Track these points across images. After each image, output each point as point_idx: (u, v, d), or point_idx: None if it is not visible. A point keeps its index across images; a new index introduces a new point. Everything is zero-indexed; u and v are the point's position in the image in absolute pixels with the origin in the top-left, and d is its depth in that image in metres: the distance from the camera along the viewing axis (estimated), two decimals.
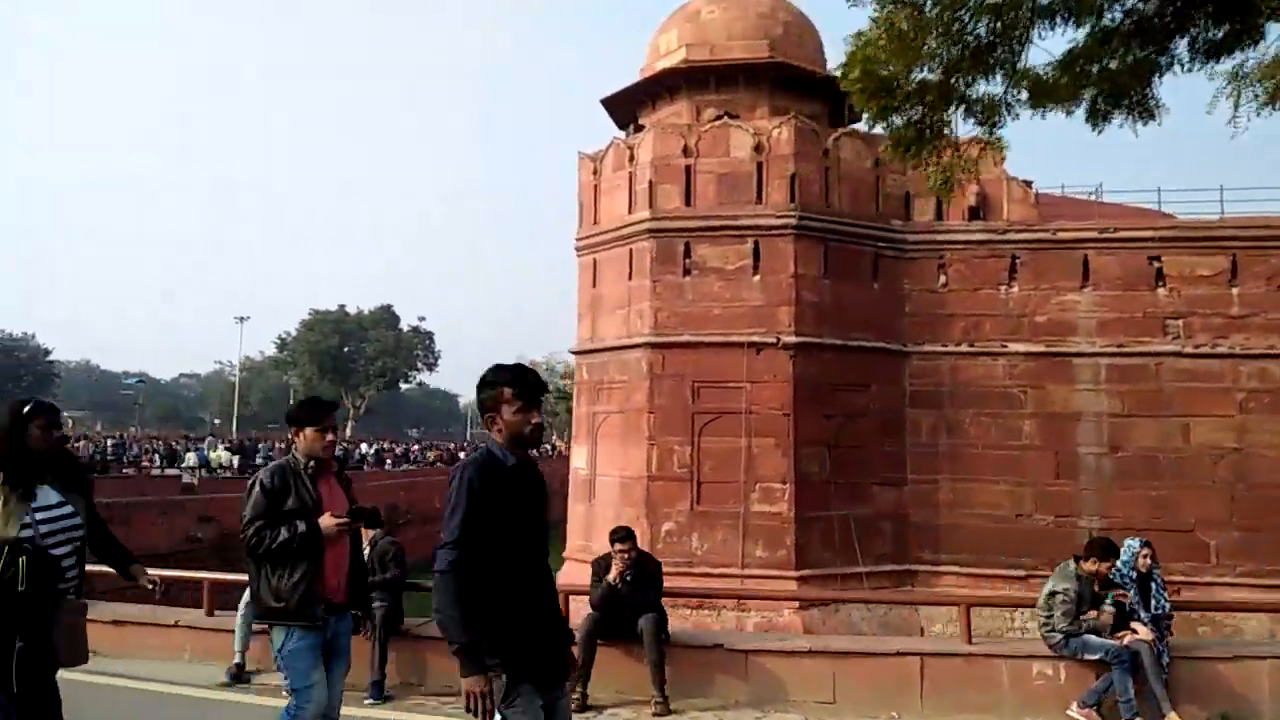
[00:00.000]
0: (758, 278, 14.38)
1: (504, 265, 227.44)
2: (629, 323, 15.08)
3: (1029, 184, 15.52)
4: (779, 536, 13.86)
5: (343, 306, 67.15)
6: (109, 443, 31.82)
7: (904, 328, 15.19)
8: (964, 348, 15.06)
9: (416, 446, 54.02)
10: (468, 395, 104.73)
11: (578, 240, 16.50)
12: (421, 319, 69.69)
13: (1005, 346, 14.92)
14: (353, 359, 65.78)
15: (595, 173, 16.13)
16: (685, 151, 14.78)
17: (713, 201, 14.62)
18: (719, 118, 15.38)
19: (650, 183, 14.86)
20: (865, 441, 14.76)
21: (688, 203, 14.74)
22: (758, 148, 14.55)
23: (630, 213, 15.19)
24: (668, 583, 7.31)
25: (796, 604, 13.36)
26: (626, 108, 17.56)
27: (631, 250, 15.12)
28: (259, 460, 30.28)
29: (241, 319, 54.13)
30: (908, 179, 15.42)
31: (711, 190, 14.65)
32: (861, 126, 14.67)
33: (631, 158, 15.34)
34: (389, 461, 41.68)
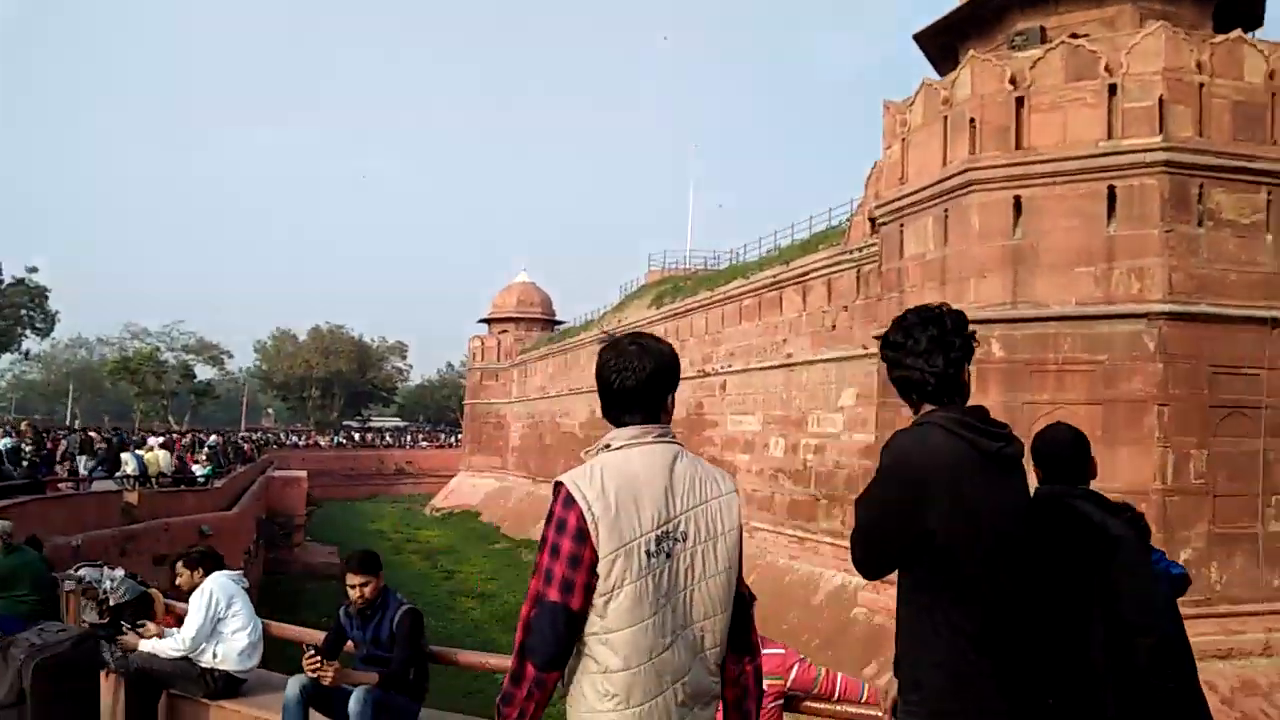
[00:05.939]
0: (1269, 237, 11.60)
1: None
2: (1109, 284, 11.41)
3: None
4: None
5: None
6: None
7: None
8: None
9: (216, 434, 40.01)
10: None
11: (980, 169, 12.16)
12: (32, 269, 51.46)
13: None
14: None
15: (1014, 82, 11.91)
16: (1199, 68, 11.36)
17: (1228, 135, 11.44)
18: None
19: (1160, 100, 11.21)
20: None
21: (1200, 133, 11.38)
22: (1271, 74, 11.63)
23: (1116, 136, 11.39)
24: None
25: None
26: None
27: (1115, 188, 11.38)
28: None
29: None
30: None
31: (1227, 120, 11.44)
32: None
33: (1107, 67, 11.48)
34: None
